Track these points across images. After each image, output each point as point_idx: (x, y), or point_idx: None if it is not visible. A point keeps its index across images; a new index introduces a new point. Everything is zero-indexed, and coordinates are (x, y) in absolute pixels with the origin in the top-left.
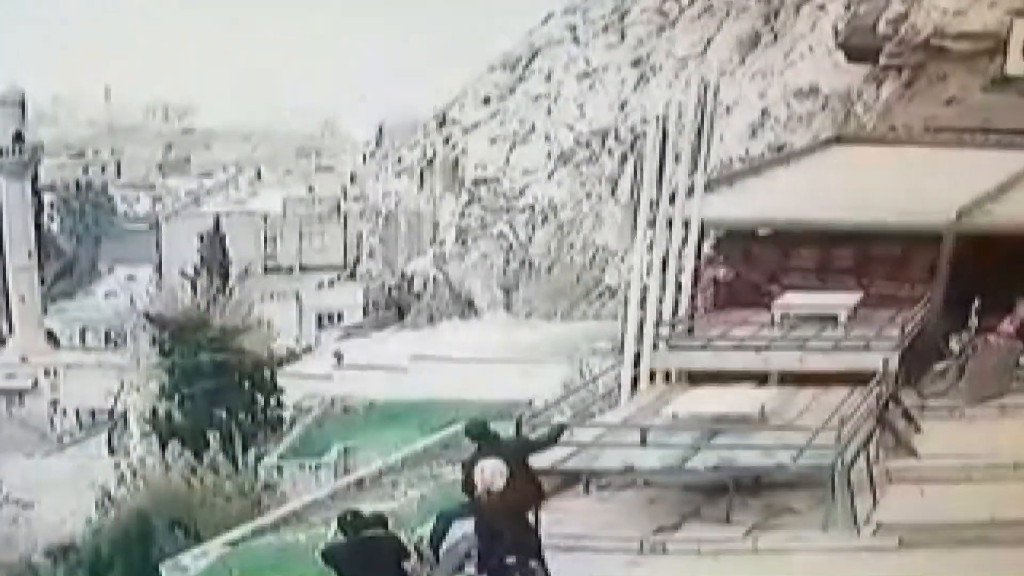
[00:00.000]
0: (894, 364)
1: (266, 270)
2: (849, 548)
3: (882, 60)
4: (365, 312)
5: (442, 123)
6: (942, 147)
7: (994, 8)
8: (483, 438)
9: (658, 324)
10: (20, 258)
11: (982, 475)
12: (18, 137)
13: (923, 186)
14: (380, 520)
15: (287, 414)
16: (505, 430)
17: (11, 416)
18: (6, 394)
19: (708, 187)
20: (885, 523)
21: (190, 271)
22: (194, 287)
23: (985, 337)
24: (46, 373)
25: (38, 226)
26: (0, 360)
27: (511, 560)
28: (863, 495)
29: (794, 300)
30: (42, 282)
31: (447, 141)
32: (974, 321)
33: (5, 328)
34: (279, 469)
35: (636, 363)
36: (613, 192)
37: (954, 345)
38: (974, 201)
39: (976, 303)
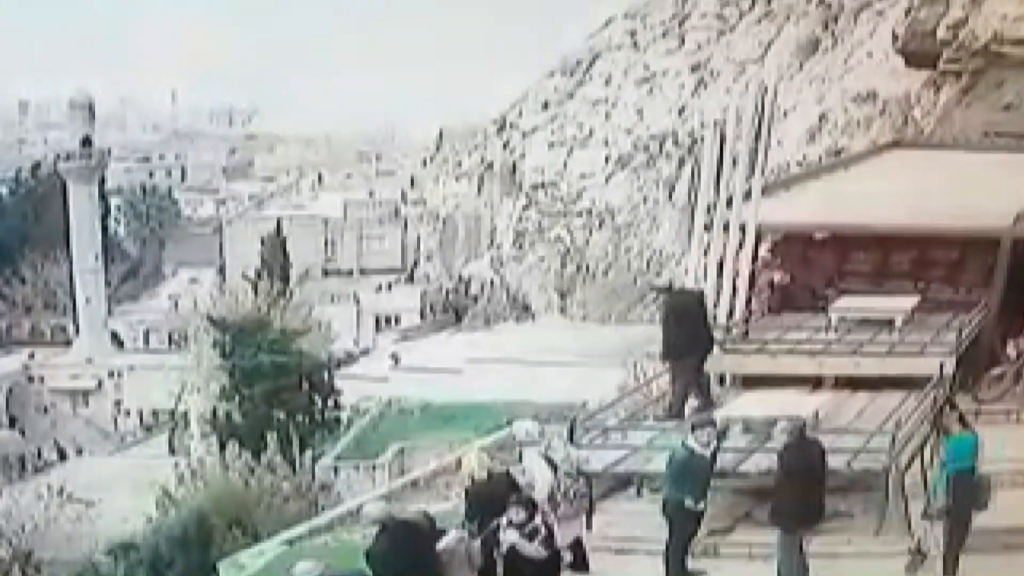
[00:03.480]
0: (950, 369)
1: (326, 273)
2: (902, 553)
3: (940, 65)
4: (422, 315)
5: (501, 128)
6: (999, 152)
7: None
8: None
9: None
10: (87, 261)
11: None
12: (86, 141)
13: (980, 191)
14: (428, 520)
15: (344, 415)
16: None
17: (76, 416)
18: (71, 394)
19: (765, 191)
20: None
21: (252, 274)
22: (255, 290)
23: None
24: (110, 374)
25: (104, 229)
26: (66, 361)
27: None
28: (916, 500)
29: (850, 304)
30: (108, 284)
31: (506, 146)
32: None
33: (71, 329)
34: (335, 469)
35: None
36: (670, 196)
37: (1010, 350)
38: None
39: None
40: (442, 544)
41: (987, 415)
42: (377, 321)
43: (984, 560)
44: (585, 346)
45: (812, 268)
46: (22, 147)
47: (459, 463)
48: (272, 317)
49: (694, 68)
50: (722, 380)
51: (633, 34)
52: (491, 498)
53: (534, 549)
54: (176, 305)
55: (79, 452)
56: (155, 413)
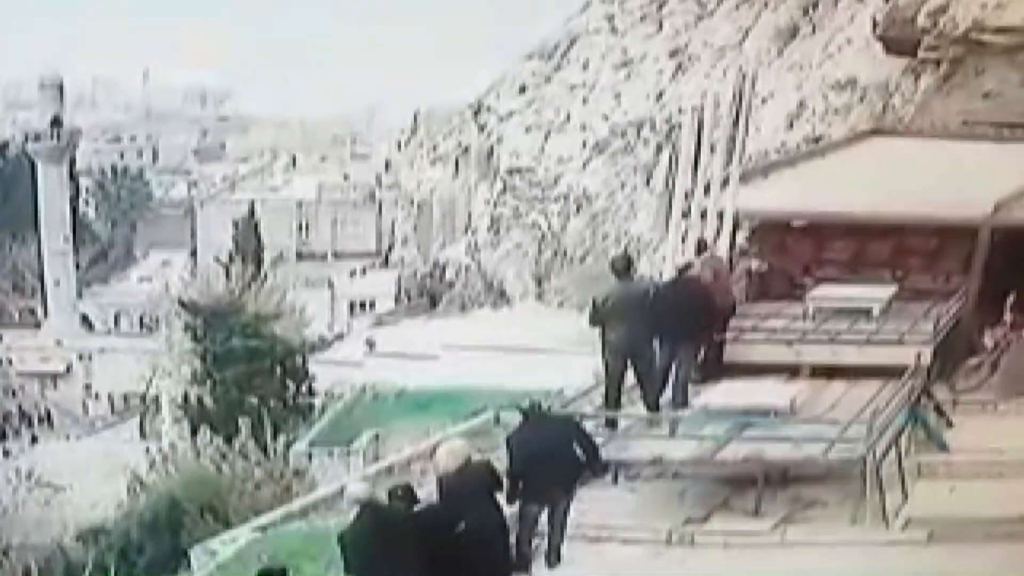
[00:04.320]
0: (927, 358)
1: (299, 257)
2: (878, 542)
3: (920, 53)
4: (397, 300)
5: (477, 112)
6: (979, 141)
7: None
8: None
9: None
10: (56, 242)
11: (1013, 471)
12: (56, 121)
13: (959, 179)
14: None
15: (318, 401)
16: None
17: (45, 399)
18: (40, 377)
19: (743, 178)
20: (915, 518)
21: (224, 257)
22: (228, 273)
23: (1019, 332)
24: (80, 357)
25: (74, 210)
26: (35, 343)
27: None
28: (893, 489)
29: (828, 293)
30: (77, 266)
31: (482, 130)
32: (1008, 316)
33: (40, 312)
34: (309, 456)
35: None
36: (648, 182)
37: (988, 340)
38: (1010, 195)
39: (1011, 298)
40: None
41: (964, 405)
42: (352, 306)
43: (964, 549)
44: (562, 332)
45: (789, 256)
46: None
47: (434, 450)
48: (245, 301)
49: (672, 53)
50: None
51: (611, 19)
52: (463, 488)
53: None
54: (147, 288)
55: (48, 436)
56: (126, 397)
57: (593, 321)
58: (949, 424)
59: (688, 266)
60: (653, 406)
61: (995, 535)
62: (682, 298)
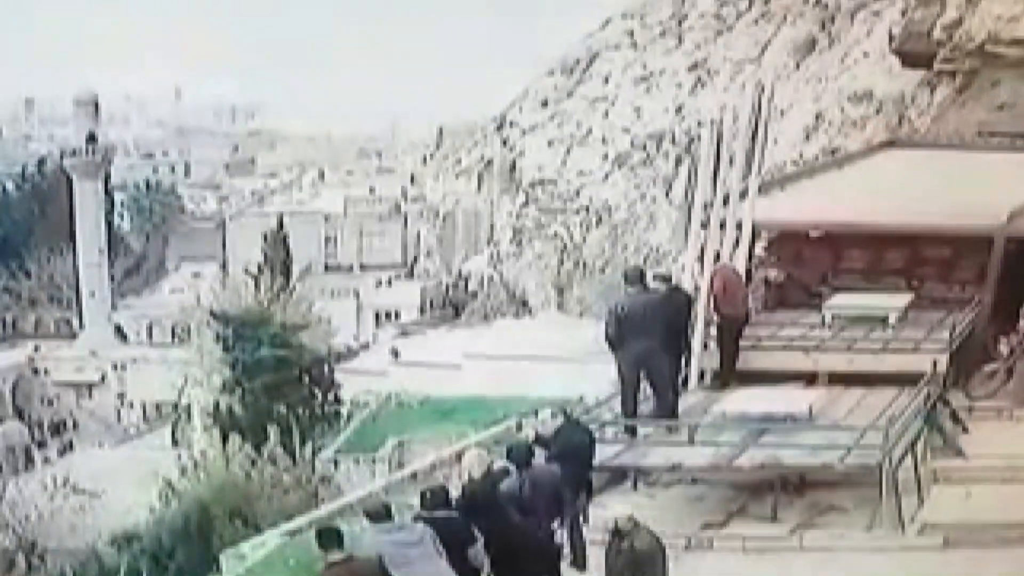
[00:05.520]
0: (943, 366)
1: (327, 268)
2: (894, 547)
3: (936, 66)
4: (422, 310)
5: (500, 126)
6: (994, 151)
7: None
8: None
9: (708, 324)
10: (91, 255)
11: None
12: (91, 138)
13: (974, 190)
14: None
15: (344, 409)
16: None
17: (80, 408)
18: (75, 387)
19: (761, 189)
20: (931, 523)
21: (253, 269)
22: (257, 285)
23: None
24: (114, 367)
25: (109, 224)
26: (70, 354)
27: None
28: (909, 495)
29: (844, 301)
30: (111, 279)
31: (505, 143)
32: (1023, 324)
33: (76, 323)
34: (335, 462)
35: (686, 362)
36: (667, 194)
37: (1003, 347)
38: None
39: None
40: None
41: (979, 411)
42: (377, 316)
43: (980, 554)
44: (582, 342)
45: (807, 266)
46: (28, 143)
47: (458, 456)
48: (273, 312)
49: (692, 67)
50: (702, 376)
51: (631, 34)
52: (487, 495)
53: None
54: (179, 299)
55: (83, 444)
56: (158, 406)
57: (608, 337)
58: (965, 430)
59: (668, 277)
60: (669, 413)
61: (1010, 540)
62: (670, 310)
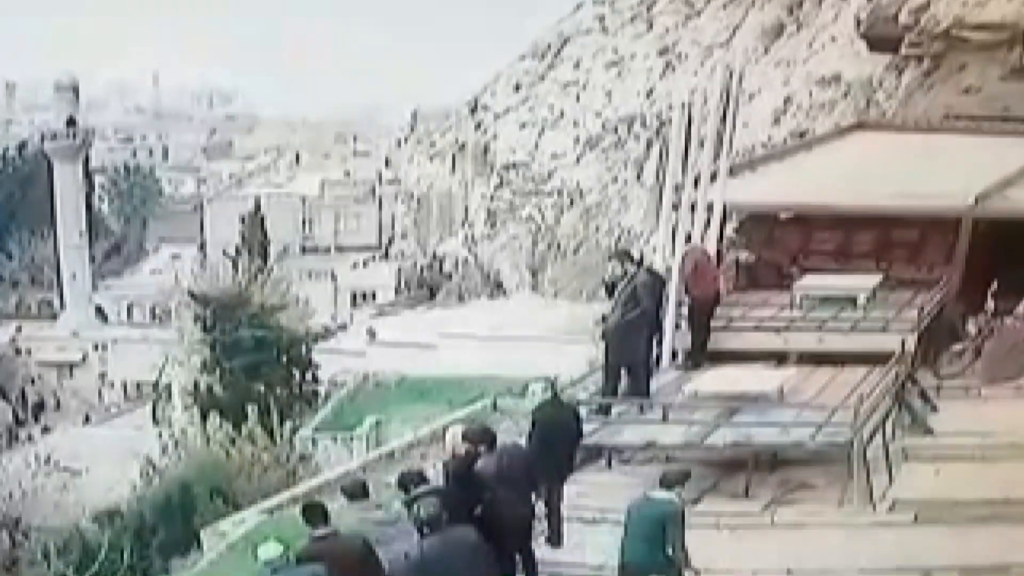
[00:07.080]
0: (912, 345)
1: (304, 250)
2: (865, 524)
3: (903, 50)
4: (397, 291)
5: (474, 109)
6: (960, 134)
7: (1013, 0)
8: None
9: (680, 304)
10: (72, 237)
11: (997, 454)
12: (71, 122)
13: (942, 172)
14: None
15: (322, 388)
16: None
17: (62, 387)
18: (57, 367)
19: (731, 172)
20: (901, 500)
21: (232, 251)
22: (235, 266)
23: (1001, 320)
24: (95, 347)
25: (89, 207)
26: (52, 334)
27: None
28: (879, 472)
29: (814, 282)
30: (92, 260)
31: (478, 127)
32: (991, 304)
33: (57, 304)
34: (314, 441)
35: (659, 342)
36: (639, 176)
37: (971, 327)
38: (992, 187)
39: (993, 286)
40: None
41: (948, 390)
42: (353, 297)
43: (949, 530)
44: (556, 322)
45: (777, 247)
46: (9, 127)
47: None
48: (252, 293)
49: (662, 52)
50: (675, 356)
51: (602, 19)
52: (470, 473)
53: None
54: (159, 280)
55: (65, 423)
56: (139, 385)
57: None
58: (934, 409)
59: (626, 271)
60: (643, 392)
61: (978, 516)
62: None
